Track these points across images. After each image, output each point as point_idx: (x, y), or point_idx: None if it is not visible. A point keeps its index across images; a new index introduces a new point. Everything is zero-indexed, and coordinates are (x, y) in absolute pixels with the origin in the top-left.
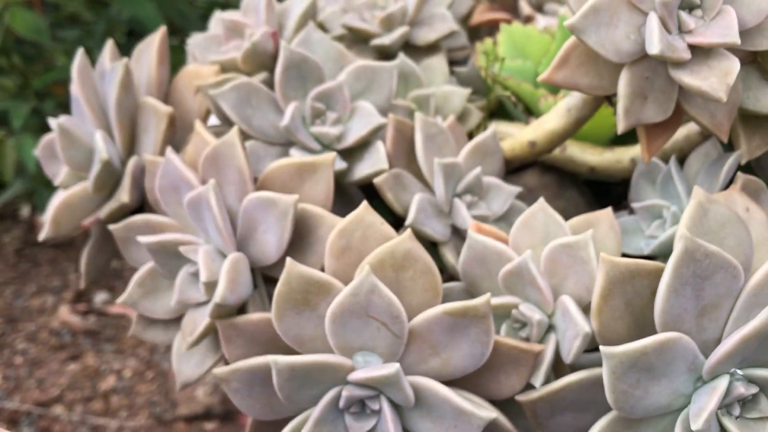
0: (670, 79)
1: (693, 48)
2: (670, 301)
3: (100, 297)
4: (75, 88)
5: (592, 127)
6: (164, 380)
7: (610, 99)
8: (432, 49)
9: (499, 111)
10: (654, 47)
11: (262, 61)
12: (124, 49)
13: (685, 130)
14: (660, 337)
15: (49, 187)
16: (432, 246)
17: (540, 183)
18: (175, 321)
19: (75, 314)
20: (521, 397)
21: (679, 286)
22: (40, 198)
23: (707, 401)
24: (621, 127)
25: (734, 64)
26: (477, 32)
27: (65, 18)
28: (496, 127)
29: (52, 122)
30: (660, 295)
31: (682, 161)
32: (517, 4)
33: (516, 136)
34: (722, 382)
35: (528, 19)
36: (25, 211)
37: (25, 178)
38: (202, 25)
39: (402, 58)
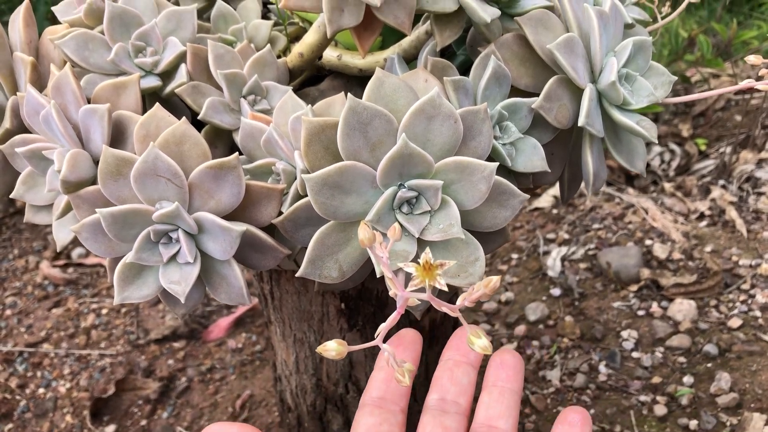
0: None
1: None
2: (346, 141)
3: (77, 251)
4: None
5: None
6: (137, 313)
7: None
8: None
9: (303, 35)
10: None
11: (99, 16)
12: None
13: (416, 32)
14: (339, 164)
15: None
16: (231, 132)
17: (330, 86)
18: (51, 206)
19: (55, 268)
20: (275, 221)
21: (349, 131)
22: None
23: (378, 202)
24: (329, 32)
25: None
26: None
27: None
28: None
29: None
30: (338, 138)
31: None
32: None
33: (291, 52)
34: (390, 190)
35: None
36: None
37: None
38: None
39: (219, 2)
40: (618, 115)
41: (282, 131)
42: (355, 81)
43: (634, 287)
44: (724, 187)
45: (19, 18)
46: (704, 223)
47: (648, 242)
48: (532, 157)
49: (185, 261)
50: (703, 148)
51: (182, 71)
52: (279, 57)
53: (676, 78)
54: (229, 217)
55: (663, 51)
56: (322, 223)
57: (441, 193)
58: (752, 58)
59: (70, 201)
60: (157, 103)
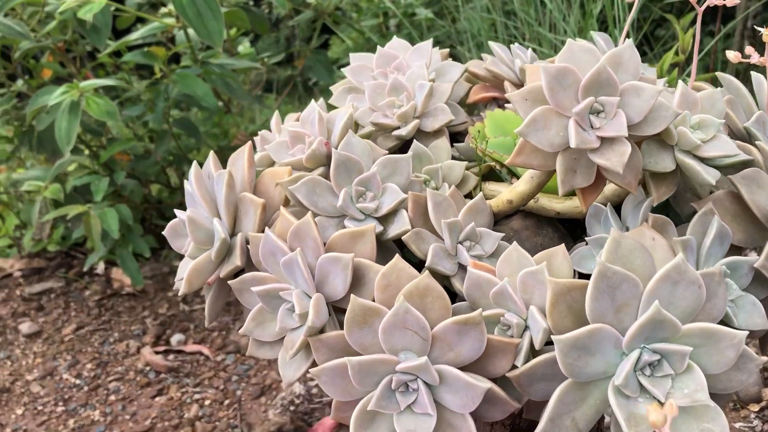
0: (589, 159)
1: (601, 138)
2: (594, 304)
3: (176, 338)
4: (192, 187)
5: (555, 185)
6: (240, 406)
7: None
8: (437, 133)
9: (490, 174)
10: (573, 142)
11: (319, 160)
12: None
13: None
14: (588, 327)
15: (130, 249)
16: (446, 278)
17: (523, 225)
18: (277, 342)
19: (157, 355)
20: (509, 374)
21: (598, 294)
22: (122, 258)
23: (625, 365)
24: (561, 192)
25: (627, 148)
26: (474, 107)
27: (126, 99)
28: (488, 186)
29: (178, 213)
30: (587, 300)
31: (620, 204)
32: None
33: (498, 197)
34: (635, 353)
35: None
36: (100, 267)
37: (107, 243)
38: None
39: (415, 143)
40: None
41: (511, 282)
42: (545, 221)
43: (755, 407)
44: None
45: (243, 159)
46: None
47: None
48: (753, 315)
49: (423, 411)
50: None
51: (404, 217)
52: (469, 196)
53: None
54: (463, 369)
55: None
56: (555, 380)
57: (687, 358)
58: None
59: (309, 343)
60: (397, 255)
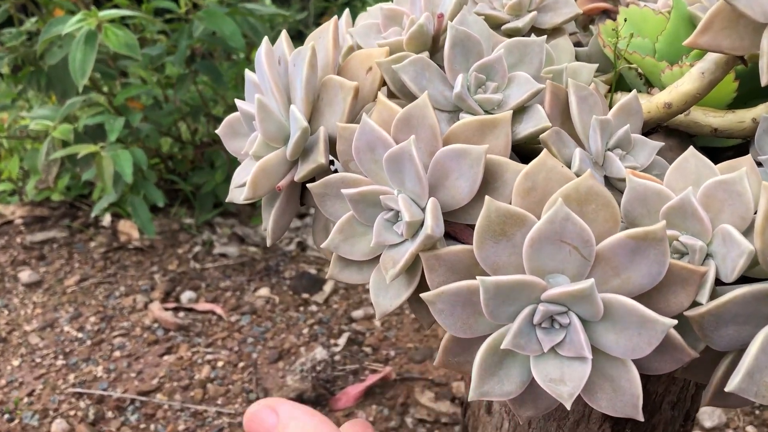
0: None
1: None
2: None
3: (186, 296)
4: (263, 68)
5: (712, 94)
6: (255, 370)
7: (744, 59)
8: (557, 31)
9: (618, 84)
10: None
11: (425, 41)
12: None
13: None
14: None
15: (142, 195)
16: None
17: (666, 145)
18: (367, 262)
19: (167, 311)
20: (689, 313)
21: None
22: (133, 205)
23: None
24: (764, 80)
25: None
26: (575, 21)
27: (143, 38)
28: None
29: (240, 103)
30: None
31: None
32: None
33: (653, 99)
34: None
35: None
36: (106, 219)
37: (118, 189)
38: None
39: (535, 37)
40: None
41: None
42: (689, 142)
43: None
44: None
45: (327, 38)
46: None
47: None
48: None
49: (575, 355)
50: None
51: (540, 112)
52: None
53: None
54: None
55: None
56: (749, 323)
57: None
58: None
59: (422, 259)
60: (545, 150)
